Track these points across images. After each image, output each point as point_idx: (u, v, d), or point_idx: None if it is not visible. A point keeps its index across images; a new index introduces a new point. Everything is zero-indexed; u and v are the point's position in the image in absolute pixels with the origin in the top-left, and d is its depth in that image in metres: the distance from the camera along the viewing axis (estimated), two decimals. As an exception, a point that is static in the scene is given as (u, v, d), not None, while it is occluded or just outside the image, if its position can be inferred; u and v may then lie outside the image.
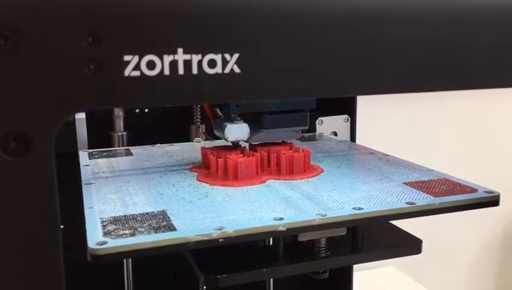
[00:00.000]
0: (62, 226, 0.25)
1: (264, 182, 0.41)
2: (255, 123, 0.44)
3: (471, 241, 1.10)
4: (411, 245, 0.37)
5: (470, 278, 1.12)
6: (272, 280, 0.63)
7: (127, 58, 0.24)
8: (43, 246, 0.24)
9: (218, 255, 0.35)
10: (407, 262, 1.02)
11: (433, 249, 1.05)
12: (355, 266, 0.66)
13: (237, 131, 0.44)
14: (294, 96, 0.27)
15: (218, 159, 0.42)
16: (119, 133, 0.58)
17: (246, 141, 0.45)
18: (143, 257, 0.57)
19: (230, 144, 0.46)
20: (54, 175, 0.23)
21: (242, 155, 0.43)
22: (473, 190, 0.37)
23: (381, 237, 0.38)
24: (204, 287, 0.60)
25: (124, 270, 0.58)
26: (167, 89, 0.25)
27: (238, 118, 0.44)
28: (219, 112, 0.46)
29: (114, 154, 0.51)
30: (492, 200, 0.36)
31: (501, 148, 1.08)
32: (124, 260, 0.59)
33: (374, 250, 0.37)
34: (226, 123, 0.44)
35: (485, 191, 0.37)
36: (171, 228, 0.31)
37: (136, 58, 0.24)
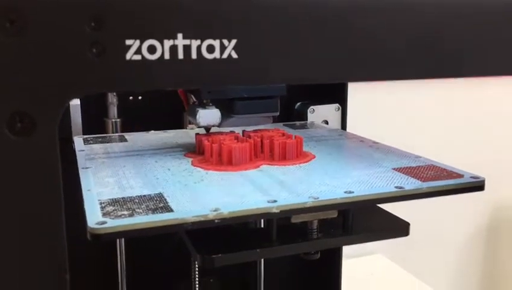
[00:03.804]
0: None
1: (258, 167, 0.42)
2: (227, 109, 0.46)
3: (458, 229, 1.13)
4: (399, 228, 0.38)
5: (457, 265, 1.15)
6: (262, 261, 0.65)
7: (128, 42, 0.24)
8: (46, 225, 0.25)
9: (213, 236, 0.36)
10: (395, 250, 1.04)
11: (421, 237, 1.08)
12: (344, 254, 0.68)
13: (209, 116, 0.45)
14: (290, 82, 0.28)
15: (213, 145, 0.43)
16: (113, 120, 0.58)
17: (217, 126, 0.46)
18: (136, 240, 0.58)
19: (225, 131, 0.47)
20: (57, 156, 0.24)
21: (236, 141, 0.44)
22: (459, 175, 0.39)
23: (370, 220, 0.40)
24: (197, 268, 0.61)
25: (117, 253, 0.59)
26: (167, 72, 0.25)
27: (210, 104, 0.46)
28: (192, 98, 0.48)
29: (109, 140, 0.52)
30: (477, 185, 0.38)
31: (490, 137, 1.10)
32: (117, 244, 0.60)
33: (363, 232, 0.38)
34: (198, 108, 0.45)
35: (471, 177, 0.38)
36: (168, 209, 0.32)
37: (138, 42, 0.25)
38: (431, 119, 1.04)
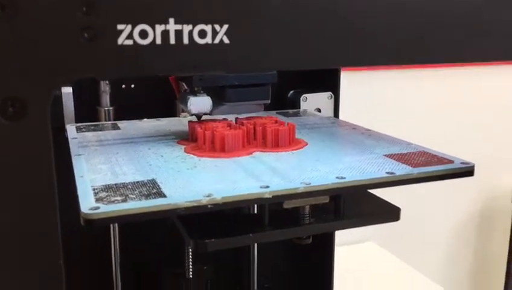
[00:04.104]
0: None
1: (251, 154, 0.42)
2: (218, 97, 0.46)
3: (449, 217, 1.14)
4: (390, 213, 0.39)
5: (448, 253, 1.16)
6: (256, 248, 0.66)
7: (120, 27, 0.24)
8: (39, 208, 0.25)
9: (206, 222, 0.36)
10: (386, 237, 1.05)
11: (413, 225, 1.09)
12: (336, 242, 0.68)
13: (200, 104, 0.45)
14: (283, 67, 0.29)
15: (206, 132, 0.43)
16: (106, 108, 0.58)
17: (209, 114, 0.46)
18: (130, 226, 0.59)
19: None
20: (49, 139, 0.24)
21: (229, 128, 0.44)
22: (450, 161, 0.39)
23: (362, 206, 0.40)
24: (190, 256, 0.62)
25: (111, 241, 0.59)
26: (159, 57, 0.25)
27: (202, 91, 0.46)
28: (184, 86, 0.48)
29: (101, 128, 0.52)
30: (467, 171, 0.38)
31: (482, 125, 1.11)
32: (111, 232, 0.60)
33: (355, 217, 0.38)
34: (189, 96, 0.45)
35: (461, 163, 0.39)
36: (161, 195, 0.32)
37: (129, 27, 0.25)
38: (424, 108, 1.04)
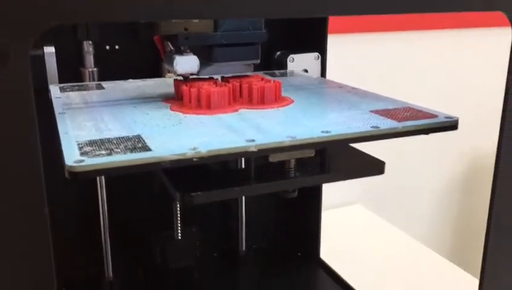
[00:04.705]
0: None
1: (236, 111, 0.42)
2: (206, 56, 0.45)
3: (435, 179, 1.16)
4: (375, 166, 0.39)
5: (433, 214, 1.18)
6: (244, 207, 0.66)
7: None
8: (21, 156, 0.25)
9: (192, 176, 0.36)
10: (373, 200, 1.06)
11: (399, 187, 1.10)
12: (324, 204, 0.69)
13: (186, 63, 0.44)
14: (269, 16, 0.28)
15: (191, 89, 0.42)
16: (90, 70, 0.57)
17: (196, 75, 0.45)
18: (118, 188, 0.59)
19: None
20: (30, 86, 0.24)
21: (215, 86, 0.43)
22: (434, 116, 0.39)
23: (347, 160, 0.40)
24: (179, 217, 0.62)
25: (99, 200, 0.60)
26: (139, 2, 0.25)
27: (188, 51, 0.44)
28: (169, 45, 0.46)
29: (86, 88, 0.51)
30: (451, 125, 0.39)
31: (470, 87, 1.12)
32: (99, 192, 0.60)
33: (340, 171, 0.39)
34: (175, 55, 0.44)
35: (445, 117, 0.39)
36: (146, 148, 0.32)
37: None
38: (411, 70, 1.04)
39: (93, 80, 0.57)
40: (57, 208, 0.60)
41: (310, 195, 0.66)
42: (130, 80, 0.56)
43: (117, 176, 0.60)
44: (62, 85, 0.52)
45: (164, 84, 0.54)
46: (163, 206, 0.63)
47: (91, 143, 0.33)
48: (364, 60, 0.98)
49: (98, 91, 0.50)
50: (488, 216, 0.38)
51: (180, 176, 0.36)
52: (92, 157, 0.30)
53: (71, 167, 0.29)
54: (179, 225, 0.65)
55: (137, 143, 0.33)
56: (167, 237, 0.64)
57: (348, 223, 0.95)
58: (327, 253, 0.71)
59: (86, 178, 0.30)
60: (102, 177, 0.60)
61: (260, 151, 0.33)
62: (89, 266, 0.64)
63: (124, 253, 0.65)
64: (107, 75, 0.57)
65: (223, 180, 0.36)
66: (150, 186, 0.60)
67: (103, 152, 0.31)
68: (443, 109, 0.40)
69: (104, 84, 0.54)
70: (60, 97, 0.47)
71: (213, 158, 0.32)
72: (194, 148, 0.32)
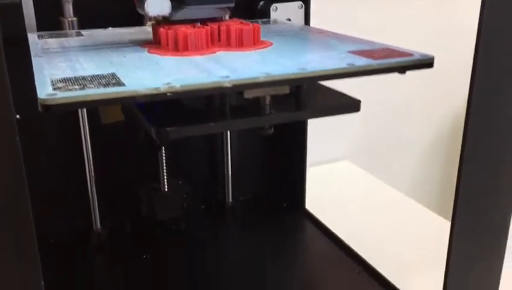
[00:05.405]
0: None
1: (214, 53, 0.42)
2: None
3: (422, 136, 1.17)
4: (350, 104, 0.40)
5: (420, 170, 1.20)
6: (229, 154, 0.67)
7: None
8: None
9: (168, 113, 0.36)
10: (361, 156, 1.07)
11: (387, 143, 1.11)
12: (311, 161, 0.70)
13: (157, 5, 0.43)
14: None
15: (169, 31, 0.42)
16: (69, 19, 0.56)
17: (168, 17, 0.45)
18: (104, 140, 0.59)
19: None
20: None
21: (193, 28, 0.43)
22: (410, 54, 0.39)
23: (323, 99, 0.41)
24: (165, 169, 0.63)
25: (84, 154, 0.60)
26: None
27: None
28: None
29: (64, 35, 0.51)
30: (427, 62, 0.39)
31: (459, 45, 1.11)
32: (84, 146, 0.60)
33: (315, 108, 0.39)
34: None
35: (420, 55, 0.39)
36: (120, 84, 0.32)
37: None
38: (398, 16, 1.03)
39: (73, 29, 0.56)
40: (42, 162, 0.61)
41: (295, 146, 0.67)
42: (110, 28, 0.55)
43: (103, 127, 0.60)
44: (41, 33, 0.52)
45: (144, 32, 0.53)
46: (150, 159, 0.64)
47: (65, 80, 0.33)
48: (348, 8, 0.96)
49: (77, 38, 0.50)
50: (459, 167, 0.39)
51: (156, 113, 0.36)
52: (64, 91, 0.30)
53: (43, 99, 0.29)
54: (165, 176, 0.65)
55: (111, 80, 0.33)
56: (154, 189, 0.65)
57: (335, 177, 0.97)
58: (313, 205, 0.72)
59: (59, 112, 0.30)
60: (87, 128, 0.60)
61: (235, 86, 0.33)
62: (76, 218, 0.65)
63: (111, 205, 0.65)
64: (86, 24, 0.56)
65: (198, 117, 0.36)
66: (136, 140, 0.61)
67: (76, 87, 0.31)
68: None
69: (84, 32, 0.53)
70: (38, 43, 0.46)
71: (187, 93, 0.32)
72: (168, 83, 0.32)
